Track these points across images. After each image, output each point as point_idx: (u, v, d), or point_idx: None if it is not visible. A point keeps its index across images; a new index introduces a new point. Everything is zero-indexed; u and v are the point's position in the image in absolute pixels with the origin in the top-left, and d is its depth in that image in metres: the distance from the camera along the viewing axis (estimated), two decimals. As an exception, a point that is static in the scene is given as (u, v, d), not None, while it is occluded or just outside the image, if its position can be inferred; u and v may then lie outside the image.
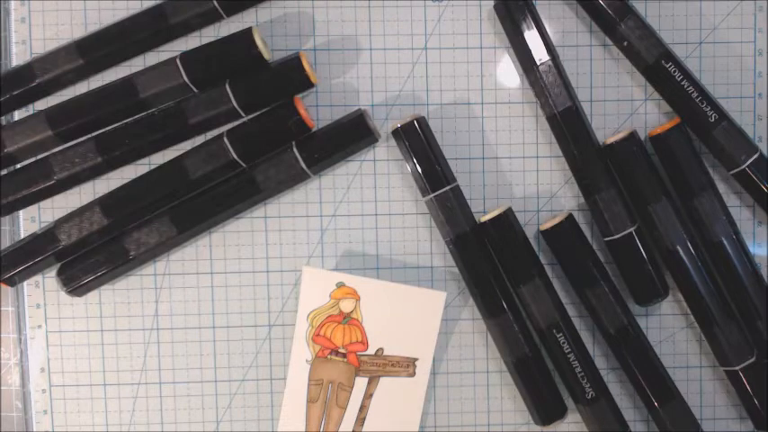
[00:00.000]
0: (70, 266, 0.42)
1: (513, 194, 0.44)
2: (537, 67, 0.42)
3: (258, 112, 0.42)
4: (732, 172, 0.42)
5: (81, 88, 0.43)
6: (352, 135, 0.42)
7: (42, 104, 0.43)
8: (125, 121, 0.42)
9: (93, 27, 0.43)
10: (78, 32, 0.43)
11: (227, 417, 0.44)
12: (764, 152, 0.43)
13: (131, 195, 0.42)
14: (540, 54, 0.42)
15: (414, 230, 0.44)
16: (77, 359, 0.44)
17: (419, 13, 0.43)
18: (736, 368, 0.42)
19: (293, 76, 0.41)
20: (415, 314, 0.43)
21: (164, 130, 0.41)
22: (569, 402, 0.44)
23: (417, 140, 0.42)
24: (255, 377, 0.44)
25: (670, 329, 0.45)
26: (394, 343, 0.43)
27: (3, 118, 0.43)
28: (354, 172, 0.44)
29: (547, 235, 0.43)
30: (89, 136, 0.42)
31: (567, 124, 0.42)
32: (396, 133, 0.42)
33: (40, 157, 0.42)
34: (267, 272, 0.44)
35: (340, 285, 0.43)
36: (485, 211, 0.44)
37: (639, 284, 0.42)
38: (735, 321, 0.42)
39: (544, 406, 0.43)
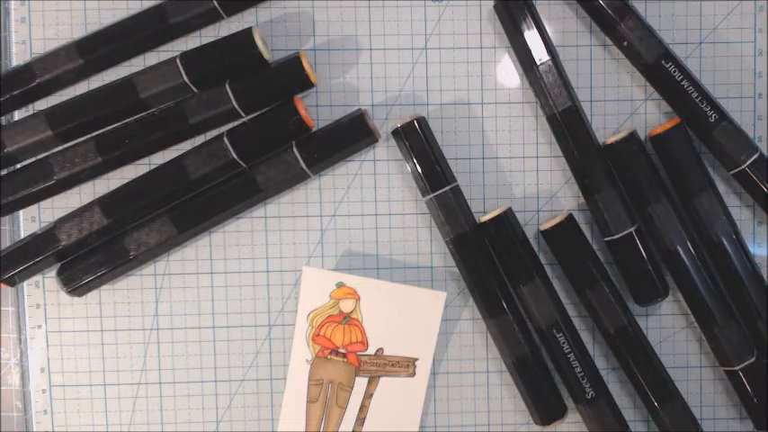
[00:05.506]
0: (70, 266, 0.42)
1: (513, 194, 0.44)
2: (537, 67, 0.42)
3: (258, 112, 0.42)
4: (732, 172, 0.42)
5: (81, 88, 0.43)
6: (352, 135, 0.42)
7: (42, 104, 0.43)
8: (125, 121, 0.42)
9: (93, 27, 0.43)
10: (78, 32, 0.43)
11: (227, 417, 0.44)
12: (764, 152, 0.43)
13: (131, 195, 0.42)
14: (540, 54, 0.42)
15: (414, 230, 0.44)
16: (77, 359, 0.44)
17: (419, 13, 0.43)
18: (736, 368, 0.42)
19: (293, 76, 0.41)
20: (415, 314, 0.43)
21: (164, 130, 0.41)
22: (569, 402, 0.44)
23: (417, 140, 0.42)
24: (255, 377, 0.44)
25: (670, 329, 0.45)
26: (394, 343, 0.43)
27: (3, 118, 0.43)
28: (354, 172, 0.44)
29: (547, 235, 0.43)
30: (89, 136, 0.42)
31: (567, 124, 0.42)
32: (396, 133, 0.42)
33: (40, 157, 0.42)
34: (267, 272, 0.44)
35: (340, 285, 0.43)
36: (485, 211, 0.44)
37: (639, 284, 0.42)
38: (735, 321, 0.42)
39: (544, 406, 0.43)
